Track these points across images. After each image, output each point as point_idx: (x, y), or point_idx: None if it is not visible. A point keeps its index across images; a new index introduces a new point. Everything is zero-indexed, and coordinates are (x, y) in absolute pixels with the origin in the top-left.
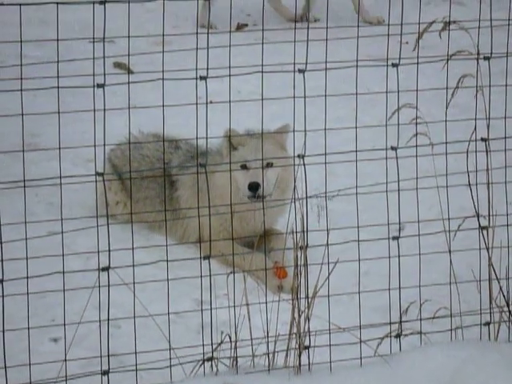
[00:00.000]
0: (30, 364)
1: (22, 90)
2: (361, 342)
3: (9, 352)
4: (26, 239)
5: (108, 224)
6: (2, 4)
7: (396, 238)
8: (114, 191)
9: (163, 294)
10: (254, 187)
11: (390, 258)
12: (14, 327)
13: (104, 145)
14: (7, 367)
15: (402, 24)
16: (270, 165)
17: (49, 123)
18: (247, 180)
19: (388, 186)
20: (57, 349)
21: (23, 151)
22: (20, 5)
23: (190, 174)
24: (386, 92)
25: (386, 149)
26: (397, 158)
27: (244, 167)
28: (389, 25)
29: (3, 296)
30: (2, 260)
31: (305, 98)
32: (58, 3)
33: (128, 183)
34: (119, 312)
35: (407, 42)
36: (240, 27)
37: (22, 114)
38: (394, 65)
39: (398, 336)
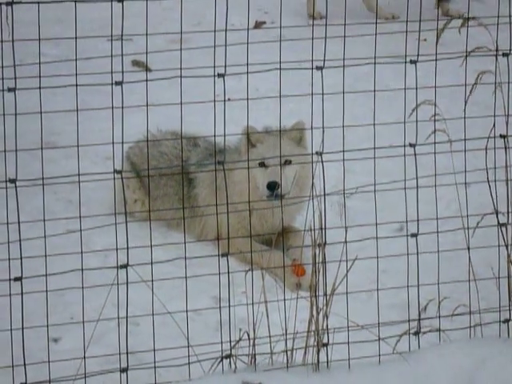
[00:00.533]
0: (49, 361)
1: (40, 88)
2: (379, 339)
3: (28, 350)
4: (45, 237)
5: (126, 222)
6: (20, 2)
7: (414, 236)
8: (132, 189)
9: (181, 292)
10: (272, 186)
11: (408, 255)
12: (32, 325)
13: (122, 143)
14: (26, 364)
15: (420, 21)
16: (288, 162)
17: (67, 121)
18: (266, 179)
19: (406, 183)
20: (75, 346)
21: (42, 149)
22: (38, 3)
23: (207, 172)
24: (405, 89)
25: (405, 146)
26: (415, 155)
27: (262, 165)
28: (407, 21)
29: (22, 294)
30: (21, 258)
31: (322, 95)
32: (75, 1)
33: (146, 181)
34: (137, 310)
35: (425, 39)
36: (258, 25)
37: (41, 112)
38: (412, 62)
39: (417, 333)
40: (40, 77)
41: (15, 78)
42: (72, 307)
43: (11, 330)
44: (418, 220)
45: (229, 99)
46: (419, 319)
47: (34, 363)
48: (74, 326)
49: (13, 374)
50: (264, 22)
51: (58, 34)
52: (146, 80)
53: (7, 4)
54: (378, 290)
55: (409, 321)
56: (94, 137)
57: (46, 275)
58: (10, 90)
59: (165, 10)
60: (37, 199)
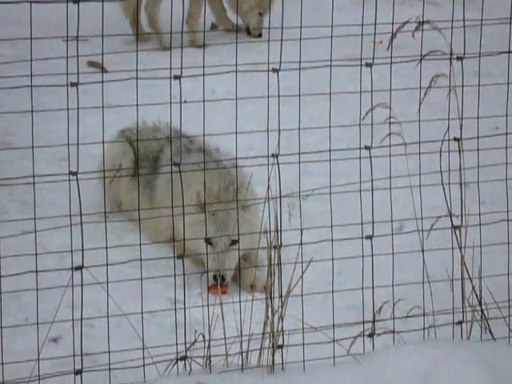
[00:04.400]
0: (2, 363)
1: None
2: (334, 341)
3: None
4: (0, 238)
5: (81, 223)
6: None
7: (369, 238)
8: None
9: (137, 293)
10: (220, 279)
11: (363, 257)
12: None
13: (78, 144)
14: None
15: (375, 24)
16: (234, 242)
17: (23, 122)
18: (212, 263)
19: (362, 185)
20: (30, 348)
21: None
22: None
23: (164, 173)
24: (360, 92)
25: (360, 148)
26: (370, 157)
27: (208, 241)
28: (362, 24)
29: None
30: None
31: (279, 97)
32: (31, 2)
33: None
34: (93, 311)
35: (381, 42)
36: (214, 26)
37: None
38: (367, 64)
39: (371, 335)
40: None
41: None
42: (27, 308)
43: None
44: (373, 222)
45: (185, 101)
46: (374, 321)
47: None
48: (29, 327)
49: None
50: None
51: (15, 34)
52: (102, 81)
53: None
54: (333, 291)
55: (363, 322)
56: (50, 138)
57: (0, 276)
58: None
59: (121, 11)
60: None
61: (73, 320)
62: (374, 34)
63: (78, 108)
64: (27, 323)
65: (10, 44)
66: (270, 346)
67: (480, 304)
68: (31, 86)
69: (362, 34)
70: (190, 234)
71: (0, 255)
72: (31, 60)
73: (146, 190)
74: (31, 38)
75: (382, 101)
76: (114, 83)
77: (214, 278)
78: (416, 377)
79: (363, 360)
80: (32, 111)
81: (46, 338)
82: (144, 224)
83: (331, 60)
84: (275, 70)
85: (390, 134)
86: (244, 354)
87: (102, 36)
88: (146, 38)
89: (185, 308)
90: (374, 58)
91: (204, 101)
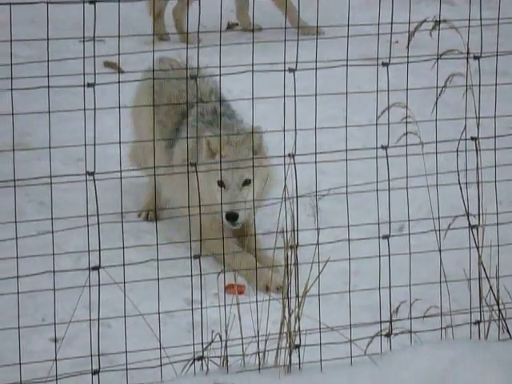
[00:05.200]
0: (20, 363)
1: (12, 89)
2: (351, 341)
3: None
4: (17, 238)
5: (98, 223)
6: None
7: (386, 237)
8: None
9: (153, 293)
10: (231, 217)
11: (380, 256)
12: (3, 326)
13: (94, 144)
14: None
15: (392, 23)
16: (247, 182)
17: (39, 122)
18: (225, 205)
19: (378, 184)
20: (47, 348)
21: (13, 150)
22: (10, 4)
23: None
24: (377, 91)
25: (377, 148)
26: (387, 156)
27: (221, 184)
28: (379, 24)
29: None
30: None
31: (295, 96)
32: (48, 3)
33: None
34: (110, 311)
35: (397, 41)
36: (230, 26)
37: (13, 114)
38: (384, 64)
39: (388, 335)
40: (12, 78)
41: None
42: (43, 309)
43: None
44: (389, 222)
45: (201, 100)
46: (391, 321)
47: (5, 365)
48: (46, 327)
49: None
50: (237, 24)
51: (31, 34)
52: (119, 81)
53: None
54: (349, 291)
55: (380, 322)
56: (66, 138)
57: (18, 277)
58: None
59: (137, 12)
60: (8, 200)
61: (90, 320)
62: (391, 33)
63: (94, 108)
64: (44, 323)
65: (25, 44)
66: (287, 345)
67: (497, 303)
68: (48, 86)
69: (378, 34)
70: (203, 181)
71: (17, 255)
72: (48, 60)
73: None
74: (48, 39)
75: (398, 100)
76: (130, 83)
77: (227, 217)
78: (433, 377)
79: (380, 360)
80: (49, 112)
81: (63, 338)
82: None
83: (347, 60)
84: (291, 70)
85: (406, 134)
86: (261, 354)
87: (119, 36)
88: (166, 38)
89: (201, 308)
90: (390, 58)
91: (220, 101)
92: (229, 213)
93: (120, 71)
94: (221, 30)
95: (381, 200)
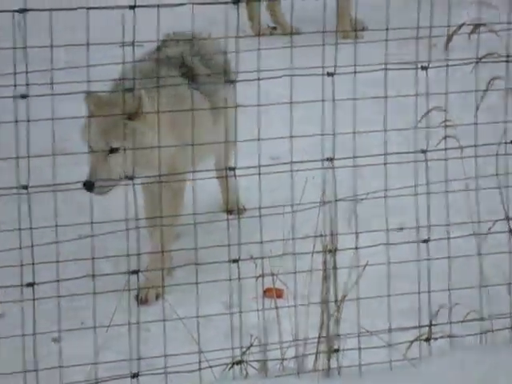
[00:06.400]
0: (60, 367)
1: (52, 94)
2: (390, 345)
3: (39, 355)
4: (57, 243)
5: (138, 227)
6: (32, 9)
7: (426, 241)
8: None
9: (192, 297)
10: (87, 186)
11: (419, 261)
12: (43, 330)
13: (134, 149)
14: (38, 370)
15: (430, 26)
16: (113, 151)
17: (76, 127)
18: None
19: (417, 188)
20: (86, 352)
21: (53, 155)
22: (51, 10)
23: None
24: (416, 95)
25: (416, 152)
26: (426, 160)
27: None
28: (418, 27)
29: (34, 299)
30: (33, 263)
31: (334, 101)
32: (88, 8)
33: None
34: (148, 315)
35: (435, 45)
36: (270, 29)
37: (53, 119)
38: (423, 68)
39: (428, 340)
40: (52, 83)
41: (27, 85)
42: (82, 312)
43: (23, 335)
44: (429, 226)
45: (241, 105)
46: (430, 325)
47: (45, 368)
48: (85, 331)
49: (25, 379)
50: (275, 28)
51: (69, 39)
52: (158, 86)
53: (20, 11)
54: (389, 295)
55: (420, 327)
56: None
57: (59, 280)
58: (22, 96)
59: (177, 17)
60: (48, 204)
61: (129, 324)
62: (430, 36)
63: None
64: (83, 327)
65: (64, 49)
66: (326, 350)
67: None
68: (87, 91)
69: (417, 38)
70: None
71: (57, 259)
72: (88, 66)
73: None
74: (88, 44)
75: (437, 104)
76: None
77: (84, 184)
78: (473, 382)
79: (420, 365)
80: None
81: (103, 341)
82: None
83: (386, 63)
84: (330, 74)
85: (445, 138)
86: (300, 359)
87: (158, 42)
88: (271, 32)
89: (240, 312)
90: (429, 62)
91: (258, 105)
92: (86, 181)
93: None
94: (259, 33)
95: (420, 204)
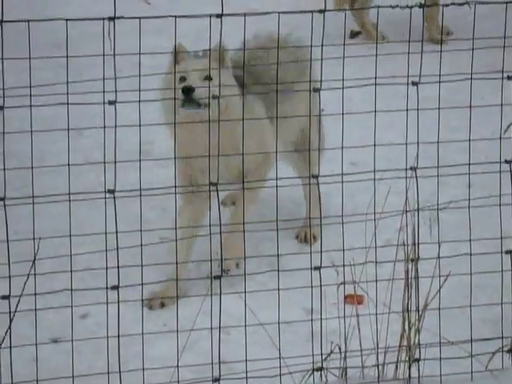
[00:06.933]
0: (143, 369)
1: (139, 101)
2: (472, 356)
3: (122, 356)
4: (142, 245)
5: (220, 232)
6: (122, 17)
7: (509, 252)
8: None
9: (273, 302)
10: (186, 90)
11: (502, 271)
12: (127, 332)
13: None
14: (121, 372)
15: None
16: (207, 77)
17: (159, 131)
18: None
19: (502, 198)
20: (169, 354)
21: (140, 160)
22: (140, 18)
23: None
24: (501, 105)
25: (500, 162)
26: (511, 171)
27: (183, 79)
28: (505, 36)
29: (118, 302)
30: (118, 267)
31: (418, 110)
32: (176, 17)
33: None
34: (228, 318)
35: None
36: (354, 34)
37: (140, 126)
38: (509, 78)
39: (510, 351)
40: (140, 90)
41: (116, 91)
42: (165, 315)
43: (107, 337)
44: None
45: (322, 109)
46: None
47: (128, 370)
48: (167, 333)
49: (108, 380)
50: (360, 33)
51: (154, 45)
52: (243, 92)
53: (109, 19)
54: (470, 306)
55: (502, 338)
56: None
57: (142, 284)
58: (110, 103)
59: (262, 21)
60: (132, 207)
61: (211, 328)
62: None
63: (218, 120)
64: (165, 329)
65: (151, 55)
66: (407, 359)
67: None
68: (174, 98)
69: (504, 46)
70: None
71: (142, 263)
72: (174, 72)
73: None
74: (175, 52)
75: None
76: None
77: (183, 90)
78: None
79: (501, 376)
80: (174, 123)
81: (185, 344)
82: None
83: (472, 73)
84: (415, 84)
85: None
86: (380, 367)
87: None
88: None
89: (321, 319)
90: None
91: (343, 113)
92: (184, 86)
93: None
94: (344, 42)
95: (504, 214)
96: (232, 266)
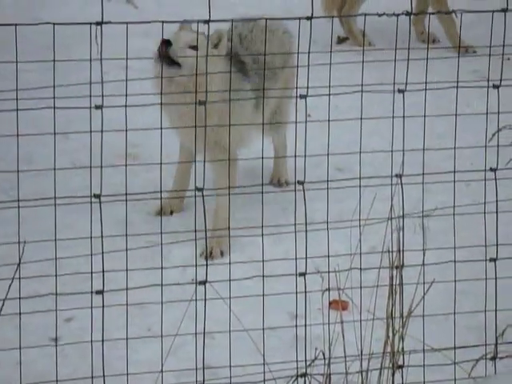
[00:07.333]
0: (127, 373)
1: (126, 106)
2: (455, 363)
3: (106, 361)
4: (127, 250)
5: (206, 238)
6: (110, 22)
7: (493, 260)
8: None
9: (257, 307)
10: (162, 43)
11: (486, 279)
12: (112, 336)
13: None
14: (106, 376)
15: (504, 42)
16: (193, 47)
17: (148, 134)
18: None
19: (486, 206)
20: (153, 358)
21: (126, 165)
22: (127, 23)
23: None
24: (487, 113)
25: (485, 170)
26: (496, 179)
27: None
28: (491, 44)
29: (103, 306)
30: (103, 271)
31: (404, 117)
32: (163, 22)
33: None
34: (212, 323)
35: (509, 59)
36: (341, 40)
37: (126, 130)
38: (495, 86)
39: (494, 358)
40: (126, 95)
41: (102, 96)
42: (149, 319)
43: (91, 341)
44: (497, 244)
45: (309, 115)
46: (496, 344)
47: (112, 375)
48: (152, 337)
49: None
50: (347, 38)
51: (143, 47)
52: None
53: (97, 24)
54: (454, 312)
55: (486, 345)
56: (174, 151)
57: (127, 289)
58: (97, 107)
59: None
60: (117, 210)
61: (196, 334)
62: (503, 53)
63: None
64: (150, 334)
65: (138, 57)
66: (390, 365)
67: None
68: (161, 103)
69: (489, 54)
70: None
71: (127, 268)
72: (161, 77)
73: None
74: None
75: (509, 122)
76: None
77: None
78: None
79: (484, 383)
80: (161, 128)
81: (169, 348)
82: None
83: (457, 81)
84: (401, 91)
85: None
86: (364, 373)
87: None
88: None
89: (306, 325)
90: (501, 80)
91: (329, 120)
92: (162, 40)
93: None
94: (331, 49)
95: (488, 221)
96: (217, 252)
